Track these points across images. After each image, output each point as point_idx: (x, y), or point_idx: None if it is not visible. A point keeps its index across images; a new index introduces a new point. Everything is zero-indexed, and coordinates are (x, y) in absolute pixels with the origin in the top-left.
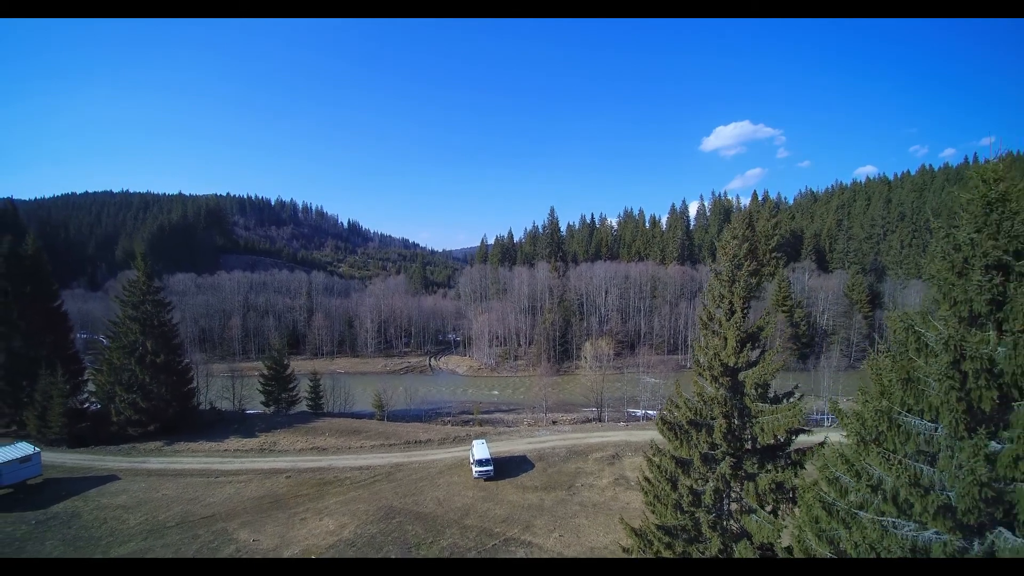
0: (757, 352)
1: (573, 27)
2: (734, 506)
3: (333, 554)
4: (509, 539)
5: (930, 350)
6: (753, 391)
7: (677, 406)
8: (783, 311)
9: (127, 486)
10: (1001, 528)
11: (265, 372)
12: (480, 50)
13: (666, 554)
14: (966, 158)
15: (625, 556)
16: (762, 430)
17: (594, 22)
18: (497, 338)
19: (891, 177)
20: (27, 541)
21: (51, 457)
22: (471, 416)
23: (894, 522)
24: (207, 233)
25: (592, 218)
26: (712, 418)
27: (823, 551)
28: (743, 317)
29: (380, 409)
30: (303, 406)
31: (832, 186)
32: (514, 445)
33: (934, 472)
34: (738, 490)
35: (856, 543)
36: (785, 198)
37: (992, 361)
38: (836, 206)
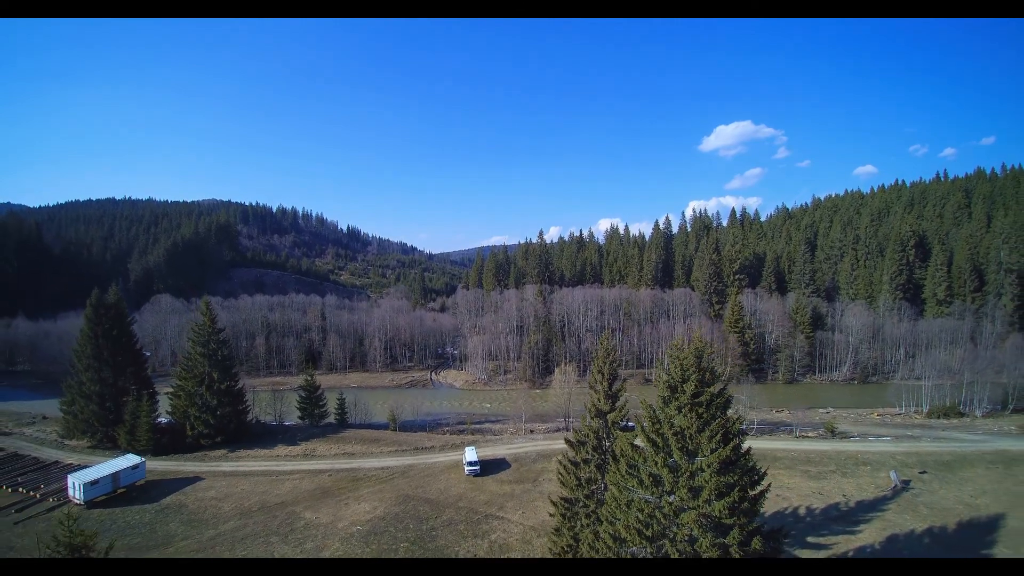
0: (621, 400)
1: (575, 27)
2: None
3: (371, 526)
4: (488, 515)
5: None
6: (614, 424)
7: (576, 431)
8: (735, 332)
9: (212, 484)
10: (674, 494)
11: (301, 393)
12: (481, 49)
13: (568, 515)
14: (937, 174)
15: (551, 517)
16: (615, 445)
17: (596, 22)
18: (489, 354)
19: (866, 191)
20: (155, 523)
21: None
22: (465, 426)
23: (626, 486)
24: (217, 248)
25: (580, 234)
26: (588, 438)
27: (618, 503)
28: (610, 382)
29: (393, 422)
30: (331, 419)
31: (806, 203)
32: (497, 450)
33: (644, 466)
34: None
35: (611, 497)
36: (759, 215)
37: (659, 422)
38: (806, 225)
